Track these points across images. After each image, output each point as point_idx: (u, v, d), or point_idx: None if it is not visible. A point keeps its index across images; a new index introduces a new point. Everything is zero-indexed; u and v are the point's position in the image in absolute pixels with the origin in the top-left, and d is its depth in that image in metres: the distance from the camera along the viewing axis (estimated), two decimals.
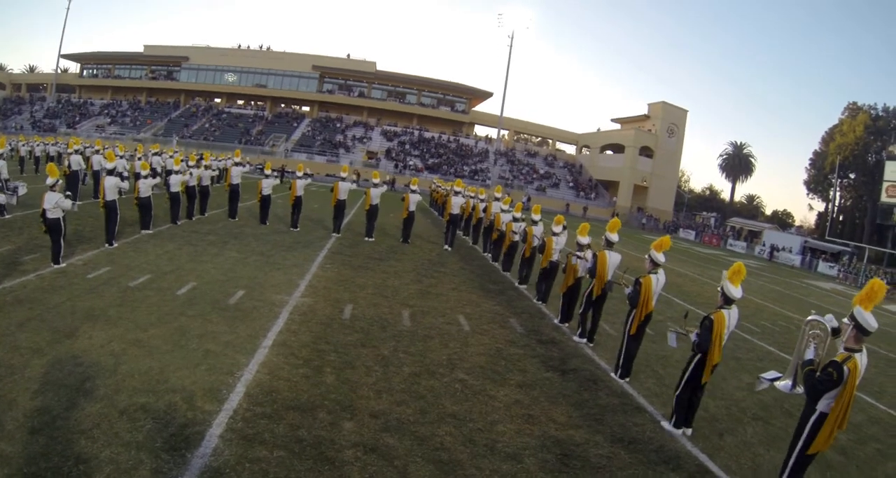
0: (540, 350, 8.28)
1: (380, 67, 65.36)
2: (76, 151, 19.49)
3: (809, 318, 4.82)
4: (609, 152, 63.80)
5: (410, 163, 56.25)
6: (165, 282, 9.30)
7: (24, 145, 28.15)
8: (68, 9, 63.46)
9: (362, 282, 11.08)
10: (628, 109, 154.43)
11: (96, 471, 4.03)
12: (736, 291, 5.76)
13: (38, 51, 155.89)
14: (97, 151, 19.88)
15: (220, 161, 27.47)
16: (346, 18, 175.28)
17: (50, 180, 9.55)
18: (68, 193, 10.43)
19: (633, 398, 6.90)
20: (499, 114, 64.60)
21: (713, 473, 5.32)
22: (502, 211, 14.97)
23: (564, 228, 11.24)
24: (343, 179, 16.38)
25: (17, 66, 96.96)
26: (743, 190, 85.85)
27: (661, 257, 7.28)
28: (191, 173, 15.91)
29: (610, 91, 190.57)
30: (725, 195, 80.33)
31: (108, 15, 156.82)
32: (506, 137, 69.52)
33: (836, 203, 57.59)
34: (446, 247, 16.93)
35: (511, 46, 61.96)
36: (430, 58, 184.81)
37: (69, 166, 18.14)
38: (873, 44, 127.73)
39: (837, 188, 55.29)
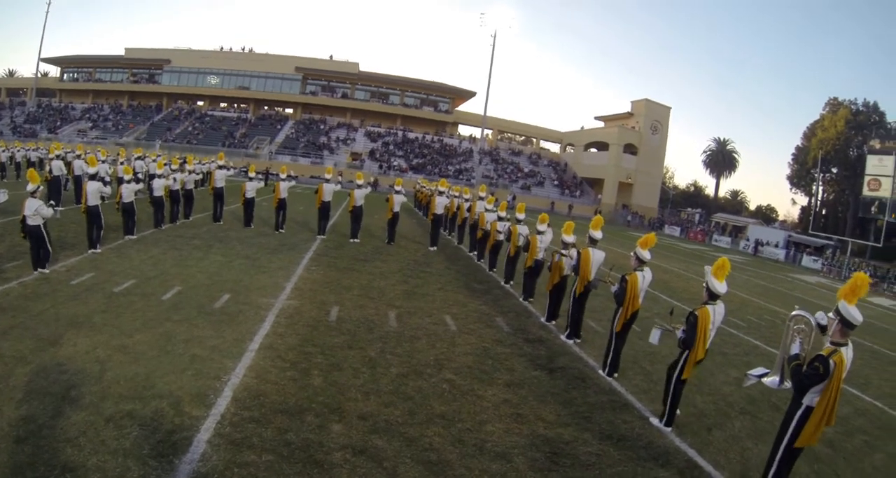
0: (527, 349, 8.30)
1: (363, 68, 65.05)
2: (57, 157, 19.14)
3: (794, 313, 4.87)
4: (593, 150, 64.08)
5: (394, 163, 56.10)
6: (150, 287, 9.19)
7: (3, 151, 27.51)
8: (48, 12, 62.51)
9: (348, 283, 11.03)
10: (612, 107, 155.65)
11: None
12: (721, 287, 5.80)
13: (17, 55, 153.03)
14: (79, 156, 19.64)
15: (203, 165, 27.21)
16: (328, 20, 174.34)
17: (31, 187, 9.37)
18: (51, 202, 10.28)
19: (621, 395, 6.94)
20: (482, 113, 64.71)
21: (702, 468, 5.37)
22: (487, 210, 14.97)
23: (549, 226, 11.28)
24: (327, 181, 16.27)
25: None
26: (727, 186, 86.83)
27: (646, 254, 7.32)
28: (174, 178, 15.72)
29: (593, 89, 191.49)
30: (710, 191, 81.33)
31: (88, 18, 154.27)
32: (489, 136, 69.53)
33: (819, 197, 58.44)
34: (431, 247, 16.92)
35: (494, 46, 62.04)
36: (413, 58, 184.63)
37: (50, 172, 17.83)
38: (853, 40, 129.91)
39: (820, 183, 56.02)
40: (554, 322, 9.84)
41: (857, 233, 45.82)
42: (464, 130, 71.14)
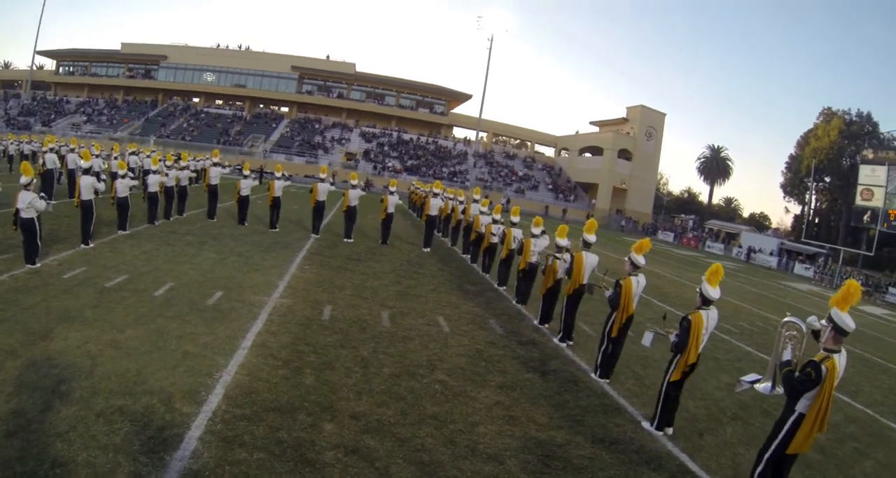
0: (520, 351, 8.29)
1: (359, 69, 65.09)
2: (51, 150, 19.01)
3: (785, 319, 4.88)
4: (588, 155, 64.28)
5: (389, 164, 56.05)
6: (142, 283, 9.12)
7: None
8: (44, 4, 62.14)
9: (341, 283, 10.99)
10: (607, 113, 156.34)
11: (73, 475, 3.93)
12: (714, 292, 5.82)
13: (12, 47, 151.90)
14: (72, 150, 19.44)
15: (198, 161, 27.09)
16: (325, 19, 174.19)
17: (24, 179, 9.28)
18: (43, 194, 10.18)
19: (613, 399, 6.94)
20: (477, 116, 64.83)
21: (694, 472, 5.37)
22: (481, 213, 14.98)
23: (544, 232, 11.27)
24: (322, 181, 16.25)
25: None
26: (721, 193, 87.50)
27: (641, 259, 7.33)
28: (167, 174, 15.65)
29: (589, 94, 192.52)
30: (703, 198, 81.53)
31: (85, 12, 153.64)
32: (484, 139, 69.68)
33: (812, 206, 58.83)
34: (425, 248, 16.91)
35: (490, 49, 62.28)
36: (409, 60, 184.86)
37: (44, 165, 17.71)
38: (848, 50, 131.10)
39: (813, 191, 56.48)
40: (547, 325, 9.84)
41: (849, 242, 46.19)
42: (459, 133, 71.43)
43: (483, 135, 68.93)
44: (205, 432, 4.72)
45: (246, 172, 17.15)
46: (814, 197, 58.07)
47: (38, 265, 9.26)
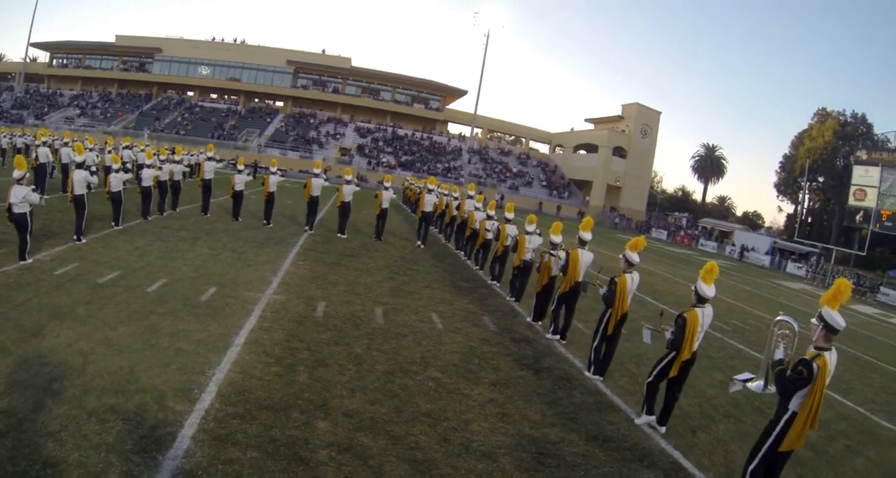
0: (513, 348, 8.30)
1: (355, 64, 64.73)
2: (44, 143, 18.77)
3: (778, 319, 4.89)
4: (582, 152, 64.37)
5: (384, 160, 55.93)
6: (135, 279, 9.05)
7: None
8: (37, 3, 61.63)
9: (335, 279, 10.96)
10: (602, 110, 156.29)
11: (65, 474, 3.90)
12: (709, 290, 5.84)
13: (5, 39, 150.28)
14: (66, 144, 19.26)
15: (192, 156, 26.97)
16: (321, 13, 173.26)
17: (17, 173, 9.15)
18: (34, 187, 10.08)
19: (606, 397, 6.96)
20: (473, 112, 64.72)
21: (686, 470, 5.40)
22: (475, 209, 14.96)
23: (539, 235, 11.27)
24: (316, 176, 16.18)
25: None
26: (714, 191, 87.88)
27: (635, 257, 7.35)
28: (161, 168, 15.55)
29: (584, 92, 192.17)
30: (697, 196, 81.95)
31: (80, 3, 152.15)
32: (479, 135, 69.62)
33: (805, 205, 59.03)
34: (419, 244, 16.89)
35: (486, 45, 62.05)
36: (405, 55, 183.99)
37: (37, 159, 17.51)
38: (844, 51, 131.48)
39: (806, 191, 56.75)
40: (540, 322, 9.84)
41: (841, 241, 46.45)
42: (454, 129, 71.33)
43: (478, 131, 68.93)
44: (198, 430, 4.69)
45: (240, 167, 17.05)
46: (807, 196, 58.35)
47: (30, 261, 9.15)
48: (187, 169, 21.14)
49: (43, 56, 70.38)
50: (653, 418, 6.17)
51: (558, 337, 8.97)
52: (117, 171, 12.58)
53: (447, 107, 69.62)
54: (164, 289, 8.71)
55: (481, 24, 63.75)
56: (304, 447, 4.67)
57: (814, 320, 4.60)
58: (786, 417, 4.55)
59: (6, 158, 25.04)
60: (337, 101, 65.30)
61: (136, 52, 65.09)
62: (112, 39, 64.66)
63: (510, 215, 12.67)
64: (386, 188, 16.40)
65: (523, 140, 73.49)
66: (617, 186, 60.18)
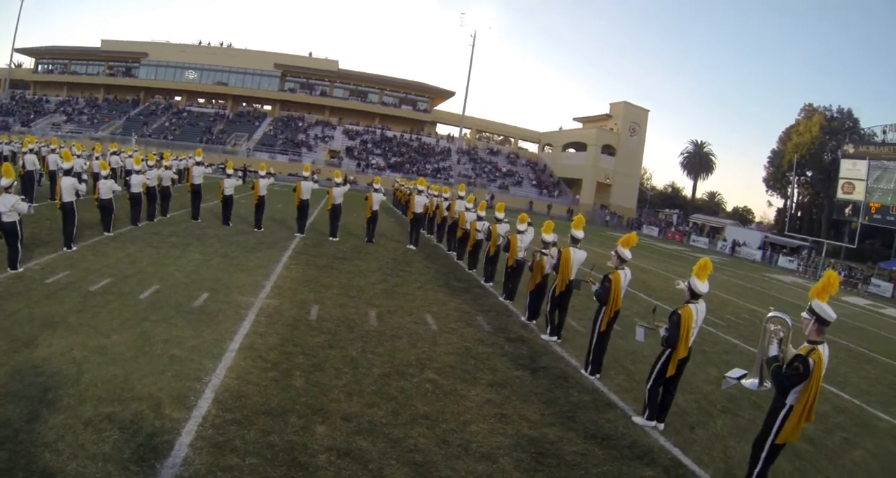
0: (509, 348, 8.32)
1: (342, 66, 64.68)
2: (31, 151, 18.62)
3: (770, 315, 4.93)
4: (572, 151, 64.55)
5: (373, 162, 55.86)
6: (127, 286, 8.99)
7: None
8: (22, 1, 60.99)
9: (328, 282, 10.94)
10: (590, 109, 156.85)
11: None
12: (702, 286, 5.87)
13: None
14: (53, 151, 19.13)
15: (180, 161, 26.80)
16: (307, 16, 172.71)
17: (5, 182, 9.03)
18: (23, 196, 9.98)
19: (604, 395, 6.99)
20: (461, 113, 64.76)
21: (686, 466, 5.43)
22: (466, 209, 14.99)
23: (530, 224, 11.33)
24: (305, 179, 16.13)
25: None
26: (704, 187, 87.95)
27: (627, 253, 7.39)
28: (151, 174, 15.45)
29: (572, 91, 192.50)
30: (687, 192, 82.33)
31: (65, 8, 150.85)
32: (468, 135, 69.68)
33: (795, 200, 59.37)
34: (410, 246, 16.88)
35: (473, 46, 62.04)
36: (392, 57, 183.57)
37: (24, 166, 17.35)
38: (830, 48, 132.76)
39: (795, 185, 57.05)
40: (535, 321, 9.87)
41: (831, 234, 46.86)
42: (442, 129, 71.33)
43: (466, 131, 68.97)
44: (195, 437, 4.67)
45: (229, 171, 16.99)
46: (796, 191, 58.71)
47: (21, 270, 9.07)
48: (176, 175, 20.99)
49: (28, 62, 69.58)
50: (654, 423, 6.17)
51: (555, 338, 8.99)
52: (106, 177, 12.50)
53: (435, 108, 69.63)
54: (157, 296, 8.66)
55: (468, 25, 63.60)
56: (303, 452, 4.66)
57: (805, 314, 4.65)
58: (783, 411, 4.59)
59: None
60: (325, 103, 65.14)
61: (122, 57, 64.53)
62: (98, 44, 64.14)
63: (501, 215, 12.70)
64: (376, 190, 16.38)
65: (512, 140, 73.59)
66: (607, 184, 60.40)
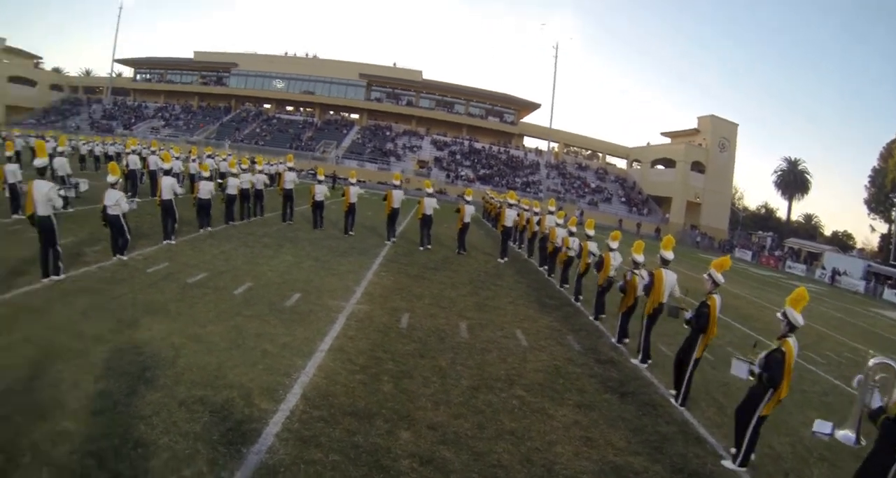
0: (598, 370, 8.15)
1: (426, 76, 66.26)
2: (133, 152, 20.49)
3: (872, 362, 4.54)
4: (660, 167, 62.63)
5: (462, 173, 56.55)
6: (222, 281, 9.64)
7: (84, 144, 29.76)
8: (119, 16, 67.23)
9: (419, 291, 11.18)
10: (677, 123, 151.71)
11: (154, 456, 4.24)
12: (800, 319, 5.55)
13: (93, 55, 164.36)
14: (153, 152, 20.75)
15: (272, 165, 28.25)
16: (390, 27, 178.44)
17: (111, 178, 10.16)
18: (129, 193, 11.01)
19: (693, 428, 6.70)
20: (547, 125, 64.75)
21: None
22: (557, 225, 14.91)
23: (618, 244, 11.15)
24: (396, 187, 16.62)
25: (73, 69, 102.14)
26: (799, 209, 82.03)
27: (721, 278, 7.11)
28: (243, 177, 16.50)
29: (659, 103, 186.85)
30: (781, 214, 77.32)
31: (159, 22, 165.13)
32: (556, 149, 69.36)
33: None
34: (501, 259, 16.92)
35: (556, 57, 62.08)
36: (475, 67, 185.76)
37: (127, 166, 19.05)
38: None
39: None
40: (625, 343, 9.63)
41: None
42: (529, 143, 71.31)
43: (554, 145, 68.74)
44: (282, 429, 4.93)
45: (320, 178, 17.74)
46: None
47: (126, 258, 10.10)
48: (268, 179, 22.16)
49: (128, 71, 76.72)
50: (745, 469, 5.81)
51: (645, 366, 8.71)
52: (205, 178, 13.48)
53: (522, 120, 69.90)
54: (250, 292, 9.22)
55: (549, 36, 63.67)
56: (386, 456, 4.78)
57: None
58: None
59: (100, 165, 27.20)
60: (411, 113, 66.84)
61: (213, 67, 69.79)
62: (191, 55, 69.82)
63: (591, 232, 12.55)
64: (467, 202, 16.58)
65: (600, 155, 72.45)
66: (696, 203, 57.91)
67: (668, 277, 8.48)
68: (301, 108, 69.93)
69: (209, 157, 25.54)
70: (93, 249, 10.55)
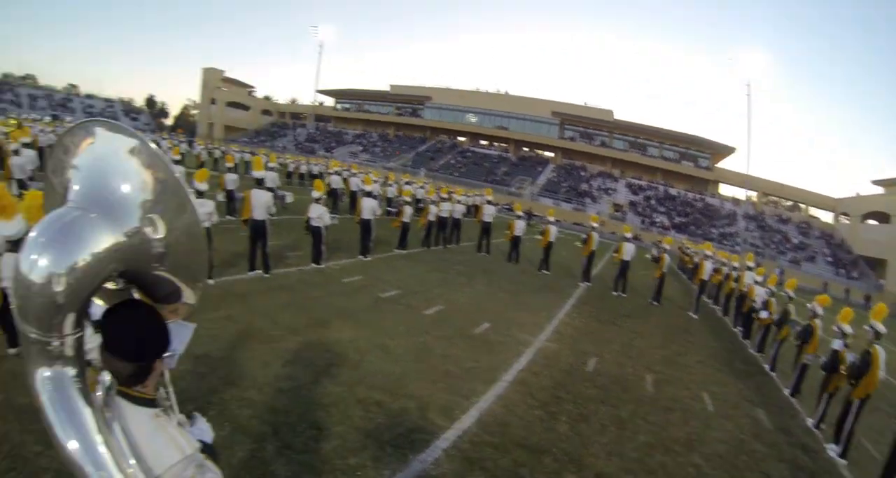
0: (787, 454, 7.31)
1: (617, 116, 65.59)
2: (336, 172, 22.75)
3: None
4: (872, 222, 54.31)
5: (657, 220, 54.60)
6: (414, 300, 10.35)
7: (291, 163, 34.02)
8: (320, 53, 76.72)
9: (609, 337, 11.02)
10: (891, 170, 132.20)
11: (325, 440, 4.77)
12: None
13: (298, 85, 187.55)
14: (354, 175, 22.90)
15: (469, 197, 29.49)
16: (580, 64, 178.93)
17: (315, 194, 11.57)
18: (333, 214, 12.48)
19: None
20: (743, 171, 60.62)
21: None
22: (756, 283, 13.81)
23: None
24: (594, 229, 16.63)
25: (281, 97, 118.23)
26: None
27: (882, 327, 6.19)
28: (441, 205, 17.67)
29: (867, 147, 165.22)
30: None
31: (357, 55, 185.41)
32: (754, 198, 64.18)
33: None
34: (693, 314, 16.04)
35: (749, 95, 57.51)
36: (665, 107, 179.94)
37: (329, 184, 21.15)
38: None
39: None
40: (822, 428, 8.55)
41: None
42: (725, 190, 66.84)
43: (752, 194, 63.76)
44: (451, 446, 5.16)
45: (519, 213, 18.25)
46: None
47: (323, 266, 11.42)
48: (464, 210, 23.24)
49: (329, 100, 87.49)
50: None
51: (845, 463, 7.63)
52: (408, 203, 14.74)
53: (716, 165, 65.97)
54: (441, 314, 9.78)
55: (739, 73, 59.20)
56: None
57: None
58: None
59: (304, 181, 30.70)
60: (605, 155, 66.26)
61: (408, 100, 76.05)
62: (386, 88, 77.08)
63: (792, 294, 11.45)
64: (666, 251, 16.19)
65: (802, 206, 65.30)
66: None
67: (883, 355, 7.44)
68: (494, 143, 72.69)
69: (407, 183, 27.40)
70: (295, 253, 12.08)
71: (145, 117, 79.05)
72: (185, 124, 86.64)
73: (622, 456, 5.89)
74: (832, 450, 7.75)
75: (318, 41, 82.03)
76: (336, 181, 21.85)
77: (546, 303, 12.80)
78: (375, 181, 22.30)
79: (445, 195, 19.82)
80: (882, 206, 52.66)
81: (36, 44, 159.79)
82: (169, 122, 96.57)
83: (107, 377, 1.46)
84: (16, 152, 12.89)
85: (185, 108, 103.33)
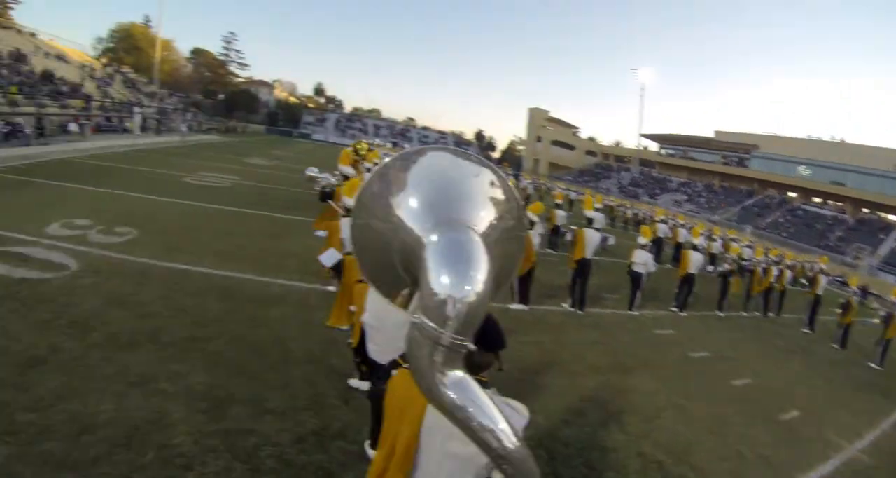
0: None
1: None
2: (662, 221, 21.62)
3: None
4: None
5: None
6: (722, 366, 9.14)
7: (616, 206, 33.83)
8: (642, 95, 72.88)
9: None
10: None
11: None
12: None
13: (623, 129, 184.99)
14: (681, 225, 21.50)
15: (804, 264, 25.16)
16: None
17: (642, 240, 11.13)
18: (654, 258, 11.93)
19: None
20: None
21: None
22: None
23: None
24: None
25: (605, 139, 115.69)
26: None
27: None
28: (771, 270, 15.21)
29: None
30: None
31: (681, 102, 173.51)
32: None
33: None
34: None
35: None
36: None
37: (655, 232, 20.12)
38: None
39: None
40: None
41: None
42: None
43: None
44: None
45: (854, 288, 15.31)
46: None
47: (637, 314, 10.93)
48: (791, 275, 20.06)
49: (652, 145, 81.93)
50: None
51: None
52: (734, 261, 13.54)
53: None
54: (748, 388, 8.39)
55: None
56: None
57: None
58: None
59: (627, 226, 30.19)
60: None
61: (733, 148, 67.32)
62: (712, 135, 69.87)
63: None
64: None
65: None
66: None
67: None
68: (829, 201, 60.96)
69: (732, 240, 24.79)
70: (612, 296, 11.68)
71: (474, 150, 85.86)
72: (511, 159, 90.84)
73: None
74: None
75: (639, 83, 77.74)
76: (663, 229, 20.55)
77: (872, 405, 9.82)
78: (701, 234, 20.75)
79: (774, 257, 17.37)
80: None
81: (381, 83, 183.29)
82: (496, 155, 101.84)
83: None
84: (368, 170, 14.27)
85: (512, 143, 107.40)
